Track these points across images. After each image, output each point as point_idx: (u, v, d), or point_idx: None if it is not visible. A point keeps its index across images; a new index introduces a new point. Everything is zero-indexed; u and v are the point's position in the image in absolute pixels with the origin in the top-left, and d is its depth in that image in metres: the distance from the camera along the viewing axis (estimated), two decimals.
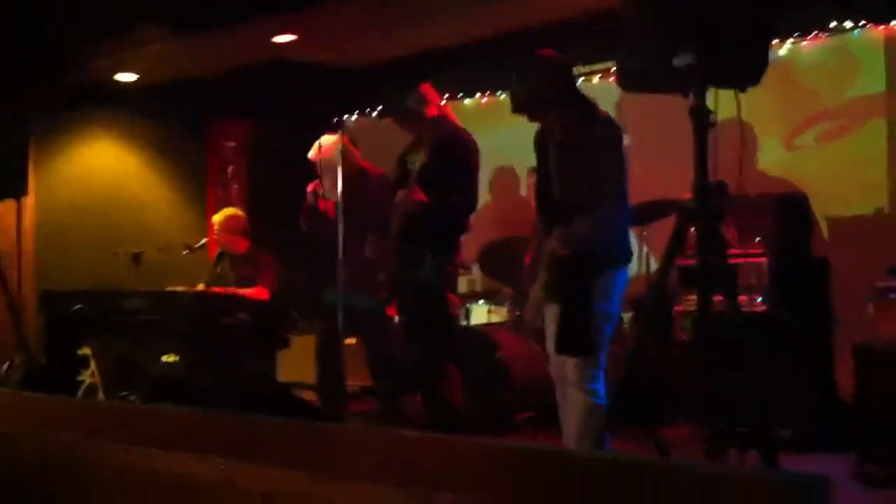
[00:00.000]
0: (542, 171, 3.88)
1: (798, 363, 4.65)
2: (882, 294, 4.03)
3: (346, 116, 7.69)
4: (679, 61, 2.83)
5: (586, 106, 3.77)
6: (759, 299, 4.70)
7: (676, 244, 2.95)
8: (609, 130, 3.70)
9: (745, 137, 3.22)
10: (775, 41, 6.04)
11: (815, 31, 5.95)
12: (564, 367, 3.65)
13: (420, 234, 4.29)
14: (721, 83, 2.98)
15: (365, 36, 6.84)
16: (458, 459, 2.41)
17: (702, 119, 2.97)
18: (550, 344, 3.68)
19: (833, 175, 5.85)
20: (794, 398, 4.58)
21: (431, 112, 4.59)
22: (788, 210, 4.92)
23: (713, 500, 1.91)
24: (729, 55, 2.83)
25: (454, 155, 4.40)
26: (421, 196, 4.24)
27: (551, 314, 3.68)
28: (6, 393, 4.04)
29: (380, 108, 4.55)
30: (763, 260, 4.78)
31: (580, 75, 6.63)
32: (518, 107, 3.84)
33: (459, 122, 4.84)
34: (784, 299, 4.75)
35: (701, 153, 3.00)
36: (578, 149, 3.69)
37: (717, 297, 3.04)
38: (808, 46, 6.03)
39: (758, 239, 4.82)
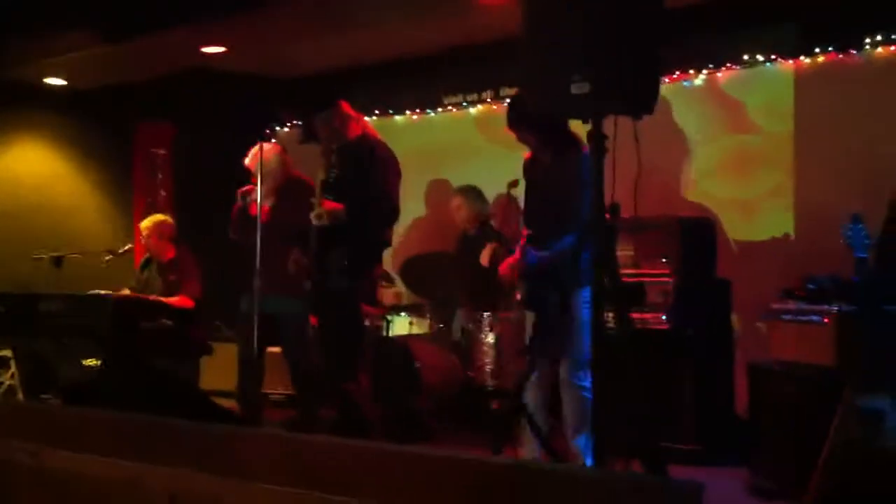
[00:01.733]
0: (531, 194, 4.31)
1: (697, 379, 4.85)
2: (775, 315, 4.23)
3: (276, 127, 7.78)
4: (576, 89, 3.00)
5: (572, 138, 4.08)
6: (664, 317, 4.89)
7: None
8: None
9: (640, 162, 3.38)
10: (691, 70, 6.32)
11: (729, 63, 6.19)
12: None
13: (335, 243, 4.38)
14: (615, 110, 3.15)
15: (295, 47, 6.94)
16: (359, 464, 2.51)
17: (598, 143, 3.14)
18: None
19: (745, 201, 6.10)
20: (691, 413, 4.78)
21: (354, 132, 4.67)
22: (693, 232, 5.13)
23: (595, 501, 2.06)
24: (621, 86, 3.00)
25: (369, 163, 4.50)
26: (334, 205, 4.35)
27: (530, 320, 4.15)
28: None
29: (300, 132, 4.61)
30: (668, 280, 4.97)
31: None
32: (510, 125, 4.19)
33: (382, 136, 4.95)
34: (687, 318, 4.95)
35: (597, 176, 3.16)
36: (563, 176, 4.05)
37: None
38: (723, 77, 6.28)
39: (664, 259, 5.01)
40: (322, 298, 4.40)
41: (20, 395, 6.40)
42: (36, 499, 3.19)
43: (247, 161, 5.31)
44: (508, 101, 4.29)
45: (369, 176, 4.43)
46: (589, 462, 4.01)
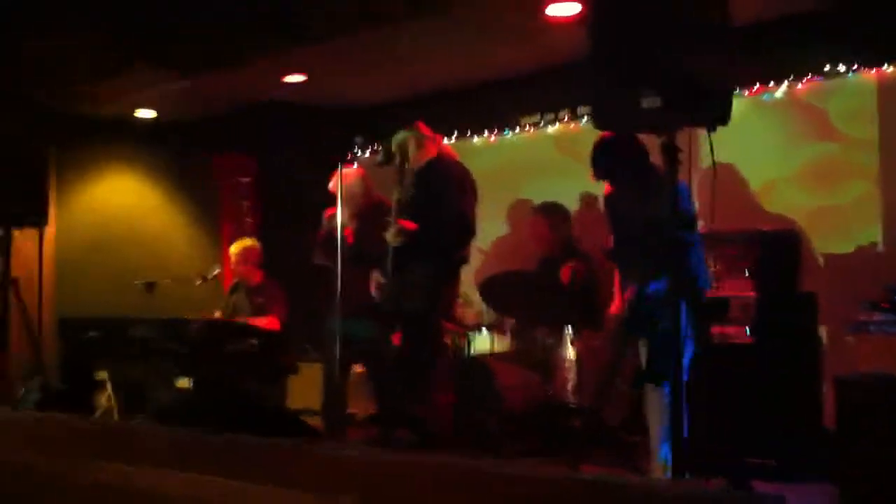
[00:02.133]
0: (618, 230, 4.49)
1: (781, 393, 4.77)
2: (863, 327, 4.16)
3: (358, 153, 7.93)
4: (647, 103, 3.02)
5: (655, 169, 4.17)
6: (748, 331, 4.82)
7: None
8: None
9: (716, 175, 3.38)
10: (772, 84, 6.25)
11: (810, 75, 6.10)
12: None
13: (412, 263, 4.45)
14: (688, 123, 3.15)
15: (373, 75, 7.07)
16: (417, 478, 2.55)
17: (671, 156, 3.15)
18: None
19: (830, 211, 5.99)
20: (776, 427, 4.70)
21: (430, 152, 4.73)
22: (775, 245, 5.07)
23: None
24: (693, 98, 3.00)
25: (442, 184, 4.56)
26: (410, 224, 4.42)
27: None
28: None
29: (380, 154, 4.70)
30: (751, 294, 4.91)
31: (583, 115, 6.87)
32: (599, 175, 4.46)
33: (461, 157, 5.01)
34: (771, 331, 4.88)
35: (671, 190, 3.16)
36: (641, 212, 4.17)
37: None
38: (804, 89, 6.19)
39: (746, 273, 4.95)
40: (401, 318, 4.47)
41: (116, 417, 6.63)
42: None
43: (330, 185, 5.44)
44: (593, 150, 4.36)
45: (444, 195, 4.49)
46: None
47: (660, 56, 3.01)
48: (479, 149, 7.88)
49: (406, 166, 4.70)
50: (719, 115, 3.12)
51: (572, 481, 2.26)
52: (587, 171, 6.57)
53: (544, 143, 7.52)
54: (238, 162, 8.75)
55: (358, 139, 4.75)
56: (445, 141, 7.85)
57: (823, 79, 6.06)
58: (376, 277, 4.74)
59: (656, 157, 3.49)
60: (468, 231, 4.65)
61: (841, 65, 5.93)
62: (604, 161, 4.26)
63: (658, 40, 3.05)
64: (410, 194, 4.65)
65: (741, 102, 6.44)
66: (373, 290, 4.71)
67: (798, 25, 5.99)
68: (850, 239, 5.89)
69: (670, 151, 3.14)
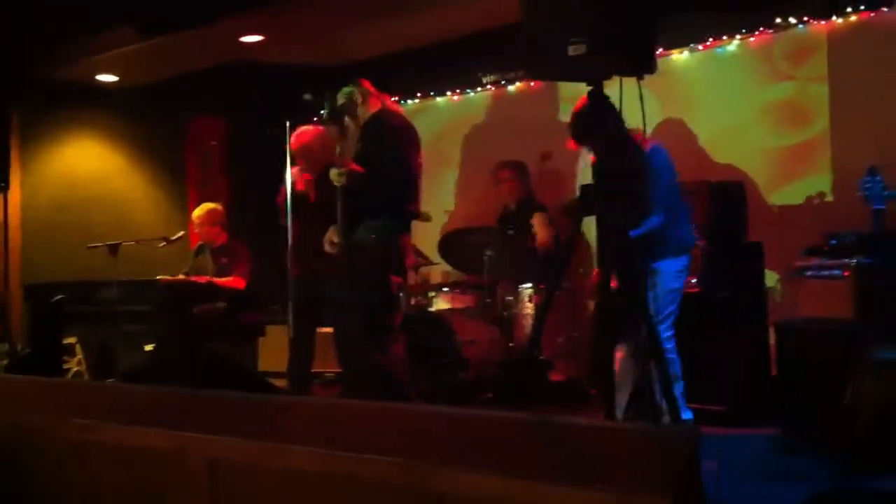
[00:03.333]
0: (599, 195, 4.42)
1: (728, 342, 4.87)
2: (799, 272, 4.26)
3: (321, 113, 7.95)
4: (573, 51, 3.08)
5: (627, 138, 4.34)
6: (695, 281, 4.92)
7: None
8: (645, 162, 4.38)
9: (645, 125, 3.45)
10: (724, 38, 6.31)
11: (762, 28, 6.17)
12: None
13: (360, 215, 4.51)
14: (615, 71, 3.22)
15: (334, 35, 7.09)
16: (383, 424, 2.64)
17: (597, 104, 3.22)
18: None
19: (780, 161, 6.09)
20: (723, 375, 4.81)
21: (374, 106, 4.78)
22: (723, 196, 5.15)
23: (610, 450, 2.19)
24: (617, 46, 3.07)
25: (385, 133, 4.60)
26: (355, 166, 4.48)
27: None
28: None
29: (325, 110, 4.73)
30: (699, 244, 5.00)
31: None
32: (576, 137, 4.46)
33: (423, 117, 5.04)
34: (718, 281, 4.98)
35: (599, 137, 3.23)
36: (622, 174, 4.19)
37: None
38: (755, 42, 6.25)
39: (694, 225, 5.03)
40: (350, 269, 4.53)
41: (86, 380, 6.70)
42: (80, 469, 3.40)
43: (290, 145, 5.48)
44: (572, 116, 4.43)
45: (389, 147, 4.54)
46: (687, 414, 4.30)
47: (586, 4, 3.07)
48: (442, 108, 7.94)
49: (351, 121, 4.74)
50: (644, 64, 3.18)
51: (512, 420, 2.35)
52: (547, 128, 6.71)
53: (504, 102, 7.58)
54: (207, 125, 8.77)
55: (307, 96, 4.78)
56: (409, 101, 7.96)
57: (774, 32, 6.13)
58: (329, 233, 4.76)
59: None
60: (409, 181, 4.67)
61: (791, 17, 6.00)
62: (581, 128, 4.33)
63: None
64: (357, 148, 4.70)
65: (696, 57, 6.52)
66: (326, 248, 4.74)
67: None
68: (801, 190, 6.00)
69: (597, 99, 3.20)
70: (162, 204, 8.53)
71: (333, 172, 4.54)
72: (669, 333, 4.42)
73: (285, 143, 5.45)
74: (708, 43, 6.40)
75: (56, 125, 8.00)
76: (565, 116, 5.91)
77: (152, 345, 6.51)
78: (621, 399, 4.21)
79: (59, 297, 6.66)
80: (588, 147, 4.44)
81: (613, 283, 3.23)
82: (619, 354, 4.35)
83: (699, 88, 6.45)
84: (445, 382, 5.76)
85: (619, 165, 4.26)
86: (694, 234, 4.71)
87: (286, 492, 2.70)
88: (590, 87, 3.23)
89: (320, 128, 5.53)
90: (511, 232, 6.23)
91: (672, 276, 4.46)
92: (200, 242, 6.84)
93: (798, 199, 5.99)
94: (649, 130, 6.07)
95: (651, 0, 3.05)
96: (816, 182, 5.94)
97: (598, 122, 4.19)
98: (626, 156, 4.33)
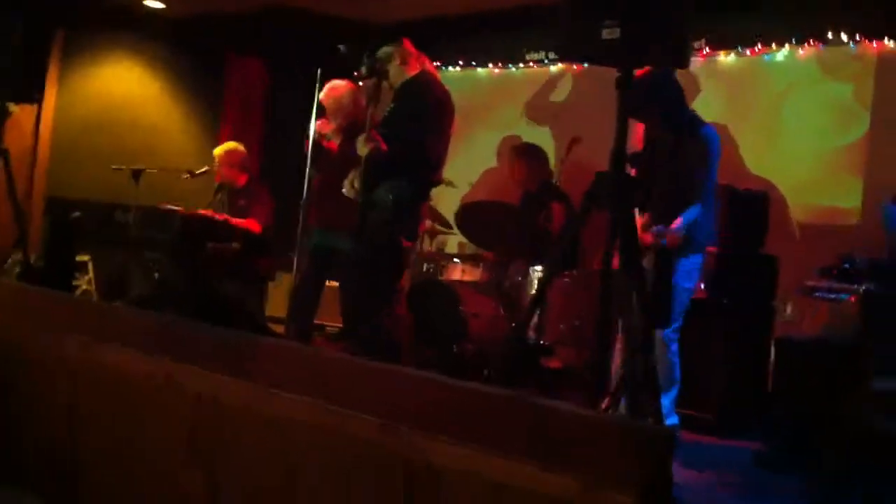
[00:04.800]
0: (646, 170, 4.45)
1: (726, 351, 4.83)
2: (809, 292, 4.21)
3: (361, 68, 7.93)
4: (607, 34, 3.04)
5: (687, 118, 4.36)
6: (703, 285, 4.87)
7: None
8: (702, 143, 4.33)
9: None
10: (773, 45, 6.21)
11: (811, 40, 6.06)
12: None
13: (382, 176, 4.48)
14: (647, 59, 3.17)
15: None
16: (372, 383, 2.64)
17: (624, 91, 3.17)
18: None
19: (813, 182, 6.00)
20: (716, 384, 4.77)
21: (413, 69, 4.71)
22: (742, 204, 5.09)
23: (581, 437, 2.18)
24: (651, 33, 3.02)
25: (420, 100, 4.55)
26: (380, 142, 4.44)
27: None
28: None
29: (364, 67, 4.68)
30: (712, 248, 4.95)
31: None
32: (630, 111, 4.30)
33: (463, 86, 4.98)
34: (726, 289, 4.93)
35: (621, 127, 3.19)
36: (684, 153, 4.30)
37: None
38: (804, 54, 6.15)
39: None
40: (363, 229, 4.51)
41: (95, 300, 6.75)
42: (82, 389, 3.44)
43: (321, 96, 5.46)
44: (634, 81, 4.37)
45: (421, 113, 4.49)
46: (672, 419, 4.24)
47: None
48: (482, 79, 7.89)
49: (388, 81, 4.69)
50: (677, 56, 3.13)
51: (488, 394, 2.34)
52: (583, 113, 6.65)
53: (546, 80, 7.52)
54: (248, 65, 8.77)
55: (342, 48, 4.75)
56: (450, 68, 7.91)
57: (824, 46, 6.02)
58: (352, 178, 4.72)
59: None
60: (440, 151, 4.63)
61: (843, 34, 5.89)
62: (640, 96, 4.27)
63: None
64: (389, 108, 4.66)
65: (742, 61, 6.42)
66: (345, 189, 4.72)
67: None
68: (830, 209, 5.91)
69: (624, 86, 3.16)
70: (193, 137, 8.56)
71: (360, 141, 4.52)
72: (676, 335, 4.37)
73: (315, 92, 5.46)
74: (756, 49, 6.30)
75: (98, 45, 8.04)
76: (603, 102, 5.86)
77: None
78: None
79: (78, 214, 6.72)
80: (641, 117, 4.42)
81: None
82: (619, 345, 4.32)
83: (743, 94, 6.36)
84: (446, 352, 5.75)
85: (668, 143, 4.28)
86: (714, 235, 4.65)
87: (269, 436, 2.72)
88: (618, 73, 3.18)
89: (352, 83, 5.52)
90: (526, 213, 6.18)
91: (684, 274, 4.37)
92: (220, 181, 6.84)
93: (825, 219, 5.91)
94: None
95: None
96: (847, 203, 5.85)
97: (657, 95, 4.20)
98: (682, 134, 4.33)
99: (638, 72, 4.17)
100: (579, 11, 3.18)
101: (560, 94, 7.41)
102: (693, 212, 4.28)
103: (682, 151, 4.30)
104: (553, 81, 7.48)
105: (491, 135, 7.74)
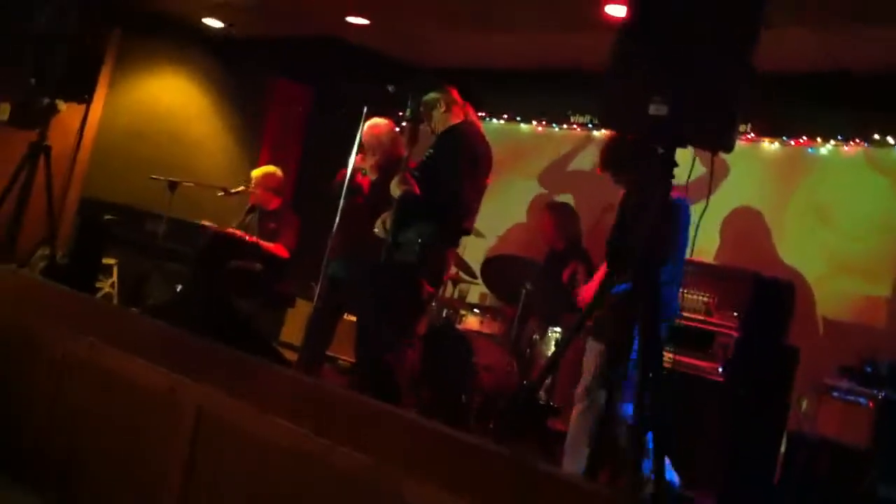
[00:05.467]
0: (619, 227, 4.28)
1: (735, 439, 4.76)
2: (826, 390, 4.16)
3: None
4: (654, 110, 3.04)
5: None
6: (720, 369, 4.83)
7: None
8: (678, 211, 4.16)
9: (708, 202, 3.38)
10: (818, 139, 6.21)
11: (857, 139, 6.05)
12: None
13: (413, 219, 4.48)
14: (691, 139, 3.17)
15: (435, 36, 7.12)
16: (368, 421, 2.64)
17: (666, 169, 3.16)
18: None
19: (842, 279, 5.95)
20: (720, 469, 4.70)
21: (457, 117, 4.72)
22: (769, 292, 5.05)
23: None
24: (698, 115, 3.02)
25: (459, 149, 4.55)
26: (414, 186, 4.44)
27: (595, 349, 4.13)
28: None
29: (408, 110, 4.68)
30: (734, 333, 4.91)
31: None
32: (609, 167, 4.32)
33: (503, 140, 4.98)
34: (744, 376, 4.88)
35: (658, 202, 3.18)
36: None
37: None
38: (849, 151, 6.14)
39: (735, 313, 4.95)
40: (388, 269, 4.51)
41: (114, 303, 6.79)
42: (87, 390, 3.46)
43: (363, 132, 5.51)
44: (606, 142, 4.35)
45: (457, 163, 4.47)
46: (671, 474, 4.11)
47: (678, 68, 3.03)
48: (524, 136, 7.93)
49: (430, 126, 4.71)
50: (722, 140, 3.13)
51: (494, 453, 2.32)
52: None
53: (588, 144, 7.55)
54: (295, 90, 8.88)
55: (390, 87, 4.78)
56: (493, 121, 7.96)
57: (869, 145, 6.01)
58: (385, 217, 4.72)
59: None
60: (470, 202, 4.61)
61: (889, 137, 5.88)
62: (616, 155, 4.23)
63: (682, 53, 3.07)
64: (427, 154, 4.67)
65: (785, 151, 6.42)
66: (377, 228, 4.73)
67: (857, 87, 5.94)
68: (857, 309, 5.85)
69: (667, 164, 3.15)
70: (232, 155, 8.65)
71: (394, 183, 4.53)
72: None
73: (358, 128, 5.50)
74: (801, 140, 6.31)
75: (153, 55, 8.17)
76: None
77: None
78: (573, 462, 4.07)
79: (111, 217, 6.77)
80: (618, 179, 4.32)
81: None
82: (575, 411, 4.23)
83: (783, 183, 6.34)
84: (454, 400, 5.72)
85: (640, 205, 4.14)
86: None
87: (261, 458, 2.73)
88: (661, 151, 3.18)
89: (393, 123, 5.56)
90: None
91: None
92: (253, 203, 6.89)
93: (852, 314, 5.84)
94: (726, 212, 6.03)
95: (744, 79, 2.99)
96: (874, 304, 5.80)
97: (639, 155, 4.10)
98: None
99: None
100: (627, 83, 3.19)
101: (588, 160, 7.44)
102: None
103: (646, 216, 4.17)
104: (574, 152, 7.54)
105: (525, 190, 7.77)
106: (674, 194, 4.10)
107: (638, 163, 4.06)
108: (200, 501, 2.87)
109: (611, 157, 4.23)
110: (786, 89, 5.86)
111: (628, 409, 4.12)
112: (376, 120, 5.48)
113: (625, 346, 3.31)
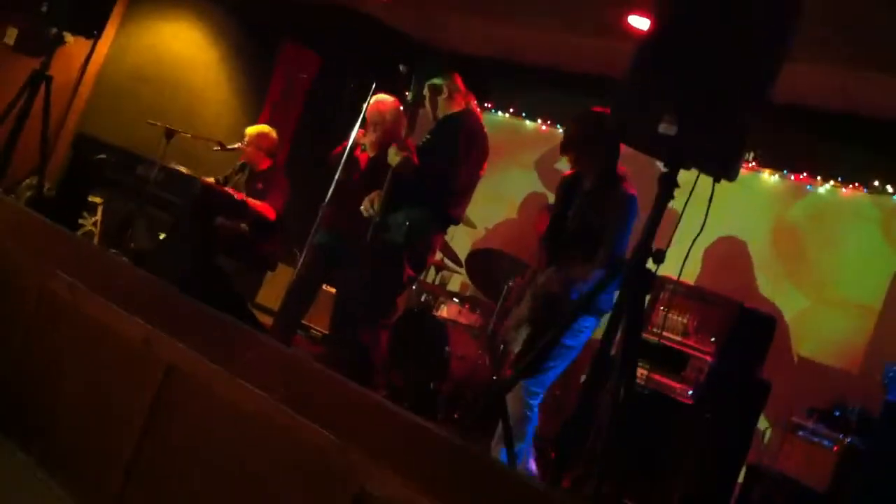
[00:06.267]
0: (559, 212, 4.22)
1: (695, 465, 4.77)
2: (792, 428, 4.18)
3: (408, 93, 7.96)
4: (663, 129, 3.02)
5: (618, 173, 4.10)
6: (691, 392, 4.84)
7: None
8: (632, 204, 4.03)
9: (703, 226, 3.36)
10: (818, 178, 6.22)
11: (857, 183, 6.07)
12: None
13: (403, 200, 4.45)
14: (697, 162, 3.15)
15: (451, 20, 7.07)
16: (340, 401, 2.62)
17: (666, 189, 3.15)
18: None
19: (822, 321, 5.98)
20: (676, 493, 4.72)
21: (458, 105, 4.67)
22: (750, 323, 5.06)
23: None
24: (707, 139, 3.01)
25: (457, 137, 4.50)
26: (413, 153, 4.40)
27: (523, 335, 4.06)
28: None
29: (411, 92, 4.62)
30: (708, 359, 4.92)
31: None
32: (564, 147, 4.19)
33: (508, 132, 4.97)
34: (713, 403, 4.89)
35: (653, 220, 3.17)
36: (601, 206, 4.02)
37: None
38: (847, 193, 6.15)
39: (713, 339, 4.96)
40: (373, 247, 4.48)
41: (95, 243, 6.73)
42: (58, 328, 3.42)
43: (368, 107, 5.47)
44: (576, 117, 4.21)
45: (453, 151, 4.43)
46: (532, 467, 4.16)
47: (694, 90, 3.01)
48: (528, 132, 7.91)
49: (430, 111, 4.67)
50: (727, 168, 3.12)
51: (456, 445, 2.31)
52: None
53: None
54: (303, 55, 8.81)
55: (402, 67, 4.73)
56: (500, 114, 7.94)
57: (867, 191, 6.02)
58: (373, 197, 4.67)
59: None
60: (466, 189, 4.59)
61: (889, 186, 5.90)
62: (580, 137, 4.11)
63: (701, 76, 3.05)
64: (425, 139, 4.64)
65: (784, 184, 6.43)
66: (364, 206, 4.68)
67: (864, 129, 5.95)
68: (833, 350, 5.88)
69: (668, 182, 3.14)
70: (232, 111, 8.58)
71: (392, 149, 4.49)
72: (540, 390, 4.13)
73: (363, 102, 5.47)
74: (802, 176, 6.32)
75: (167, 1, 8.08)
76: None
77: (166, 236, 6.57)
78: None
79: (103, 156, 6.70)
80: (578, 161, 4.19)
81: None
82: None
83: (774, 217, 6.36)
84: (422, 386, 5.71)
85: (593, 191, 4.01)
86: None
87: (225, 421, 2.71)
88: (665, 170, 3.17)
89: (399, 102, 5.52)
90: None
91: (572, 332, 4.01)
92: (243, 161, 6.83)
93: (825, 359, 5.88)
94: (712, 238, 6.02)
95: (758, 112, 2.98)
96: (850, 349, 5.83)
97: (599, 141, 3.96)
98: (607, 187, 4.07)
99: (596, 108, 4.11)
100: (641, 96, 3.17)
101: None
102: (597, 275, 3.87)
103: (601, 204, 4.05)
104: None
105: (519, 187, 7.76)
106: (628, 189, 4.08)
107: (601, 146, 4.00)
108: (157, 456, 2.85)
109: (577, 136, 4.11)
110: (794, 123, 5.87)
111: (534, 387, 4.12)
112: (383, 96, 5.44)
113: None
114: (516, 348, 4.17)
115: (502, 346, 6.08)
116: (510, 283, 6.00)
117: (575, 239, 4.11)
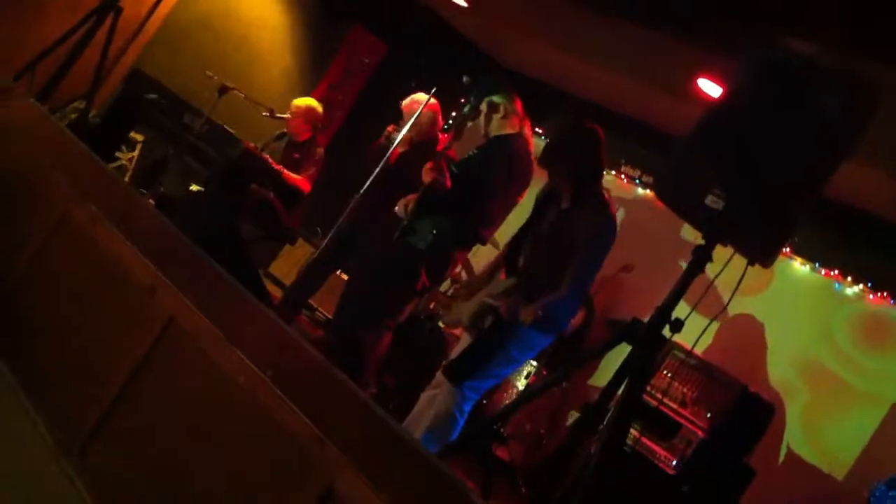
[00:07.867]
0: (526, 224, 4.16)
1: None
2: None
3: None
4: (710, 201, 2.99)
5: (601, 196, 3.95)
6: (675, 462, 4.79)
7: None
8: (605, 230, 3.90)
9: (726, 310, 3.33)
10: (849, 278, 6.15)
11: (887, 292, 6.00)
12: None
13: (434, 211, 4.40)
14: (736, 242, 3.12)
15: (524, 40, 7.05)
16: (328, 394, 2.60)
17: (699, 260, 3.11)
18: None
19: (818, 424, 5.91)
20: None
21: (512, 127, 4.55)
22: (748, 408, 5.01)
23: None
24: (751, 221, 2.97)
25: (504, 160, 4.42)
26: (447, 177, 4.33)
27: (465, 339, 4.06)
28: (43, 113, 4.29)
29: (468, 103, 4.52)
30: (700, 433, 4.87)
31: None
32: (542, 159, 4.07)
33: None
34: (694, 481, 4.83)
35: (680, 289, 3.13)
36: (573, 226, 3.89)
37: None
38: (875, 300, 6.08)
39: (708, 414, 4.91)
40: (394, 251, 4.44)
41: (126, 179, 6.75)
42: (69, 253, 3.42)
43: (404, 103, 5.44)
44: (551, 126, 4.09)
45: (495, 174, 4.35)
46: None
47: (749, 170, 2.97)
48: None
49: (484, 128, 4.59)
50: (764, 254, 3.08)
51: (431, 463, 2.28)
52: (650, 242, 6.59)
53: (628, 197, 7.49)
54: (370, 42, 8.81)
55: (466, 78, 4.68)
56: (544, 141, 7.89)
57: (895, 303, 5.95)
58: (406, 200, 4.62)
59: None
60: (495, 212, 4.50)
61: None
62: (550, 148, 4.01)
63: (758, 157, 3.01)
64: (471, 153, 4.58)
65: (813, 277, 6.36)
66: (398, 207, 4.63)
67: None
68: (822, 456, 5.81)
69: (703, 254, 3.10)
70: (288, 81, 8.59)
71: (427, 168, 4.40)
72: (475, 395, 3.99)
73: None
74: (833, 273, 6.25)
75: None
76: (677, 237, 5.78)
77: (196, 187, 6.57)
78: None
79: (153, 96, 6.72)
80: (556, 174, 4.06)
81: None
82: (426, 394, 4.14)
83: (797, 307, 6.29)
84: (411, 394, 5.68)
85: (576, 217, 3.85)
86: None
87: (212, 386, 2.69)
88: (703, 242, 3.13)
89: (436, 105, 5.46)
90: None
91: (521, 343, 3.87)
92: (284, 130, 6.82)
93: (812, 457, 5.81)
94: (731, 312, 5.97)
95: (808, 206, 2.94)
96: (839, 457, 5.75)
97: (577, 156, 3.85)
98: (580, 207, 3.94)
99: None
100: (696, 163, 3.13)
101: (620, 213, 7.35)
102: (556, 301, 3.79)
103: (571, 223, 3.92)
104: None
105: None
106: (604, 212, 3.83)
107: (572, 162, 3.91)
108: (137, 407, 2.83)
109: (548, 146, 4.01)
110: (836, 220, 5.81)
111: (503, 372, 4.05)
112: (419, 95, 5.40)
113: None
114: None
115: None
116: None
117: (542, 254, 4.00)
